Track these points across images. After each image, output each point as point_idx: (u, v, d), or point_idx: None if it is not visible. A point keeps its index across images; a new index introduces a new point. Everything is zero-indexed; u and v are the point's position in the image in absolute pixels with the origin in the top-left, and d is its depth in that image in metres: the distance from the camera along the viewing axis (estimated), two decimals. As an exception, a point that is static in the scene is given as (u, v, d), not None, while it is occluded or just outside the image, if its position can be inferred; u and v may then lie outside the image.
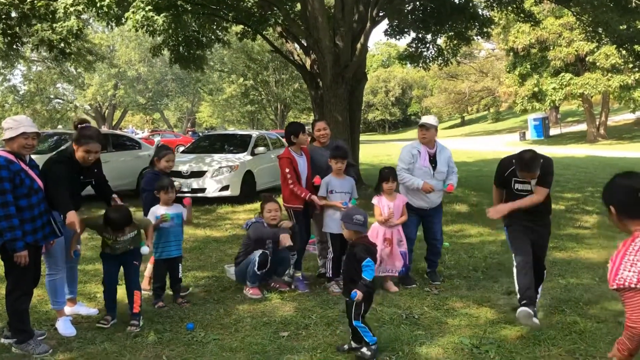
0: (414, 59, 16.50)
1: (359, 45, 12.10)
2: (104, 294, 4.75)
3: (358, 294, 3.75)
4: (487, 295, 5.34)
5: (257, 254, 5.36)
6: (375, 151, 31.66)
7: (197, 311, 4.95)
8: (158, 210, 5.08)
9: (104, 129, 33.29)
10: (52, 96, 43.31)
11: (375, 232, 5.40)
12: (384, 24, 15.66)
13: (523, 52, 35.19)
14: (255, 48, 37.69)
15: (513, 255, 4.70)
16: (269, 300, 5.27)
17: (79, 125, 4.60)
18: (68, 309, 4.76)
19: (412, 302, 5.14)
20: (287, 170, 5.65)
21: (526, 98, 35.72)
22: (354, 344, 3.93)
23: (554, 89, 33.34)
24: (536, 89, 34.79)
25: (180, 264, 5.30)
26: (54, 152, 5.03)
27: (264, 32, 13.80)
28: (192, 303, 5.16)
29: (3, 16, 10.96)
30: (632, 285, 2.30)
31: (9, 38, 10.85)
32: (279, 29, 13.33)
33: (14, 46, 12.13)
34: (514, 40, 34.82)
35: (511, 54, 36.80)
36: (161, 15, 8.92)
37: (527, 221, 4.64)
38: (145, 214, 5.17)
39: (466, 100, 58.15)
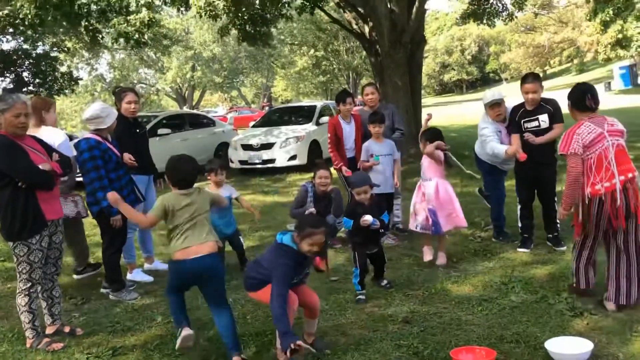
0: (477, 17, 16.30)
1: (414, 10, 12.24)
2: None
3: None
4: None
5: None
6: (449, 112, 31.30)
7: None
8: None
9: (184, 110, 35.12)
10: (135, 81, 45.84)
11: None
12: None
13: (604, -3, 33.21)
14: (324, 18, 37.94)
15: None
16: (324, 253, 5.88)
17: (116, 90, 5.55)
18: (148, 266, 5.68)
19: (455, 249, 5.58)
20: (328, 135, 6.18)
21: (609, 46, 33.81)
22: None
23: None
24: (620, 36, 32.82)
25: (240, 237, 5.74)
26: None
27: (322, 4, 14.19)
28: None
29: (85, 12, 12.05)
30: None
31: (91, 33, 12.00)
32: None
33: (97, 39, 13.33)
34: (593, -15, 32.91)
35: (591, 0, 34.81)
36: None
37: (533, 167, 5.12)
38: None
39: (546, 53, 55.53)
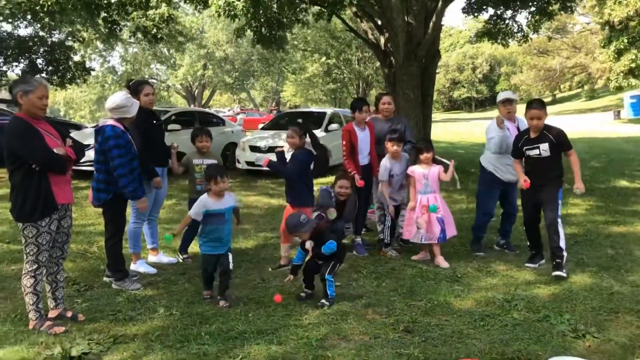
0: (492, 36, 16.30)
1: (431, 24, 12.28)
2: None
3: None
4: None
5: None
6: (458, 129, 31.34)
7: (266, 263, 5.65)
8: (208, 203, 4.53)
9: (193, 107, 35.23)
10: (146, 76, 45.98)
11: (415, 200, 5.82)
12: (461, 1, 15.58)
13: (620, 26, 33.28)
14: (338, 26, 38.07)
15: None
16: (328, 258, 5.88)
17: (130, 83, 5.52)
18: (152, 258, 5.68)
19: (458, 264, 5.58)
20: (343, 142, 6.16)
21: (622, 74, 33.85)
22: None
23: (653, 64, 31.41)
24: (633, 65, 32.85)
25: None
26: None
27: (339, 12, 14.23)
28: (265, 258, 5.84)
29: (105, 3, 12.12)
30: None
31: (109, 25, 12.08)
32: (353, 9, 13.72)
33: (114, 32, 13.41)
34: (610, 13, 33.00)
35: (607, 27, 34.87)
36: (241, 0, 9.63)
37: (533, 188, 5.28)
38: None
39: (557, 77, 55.61)
